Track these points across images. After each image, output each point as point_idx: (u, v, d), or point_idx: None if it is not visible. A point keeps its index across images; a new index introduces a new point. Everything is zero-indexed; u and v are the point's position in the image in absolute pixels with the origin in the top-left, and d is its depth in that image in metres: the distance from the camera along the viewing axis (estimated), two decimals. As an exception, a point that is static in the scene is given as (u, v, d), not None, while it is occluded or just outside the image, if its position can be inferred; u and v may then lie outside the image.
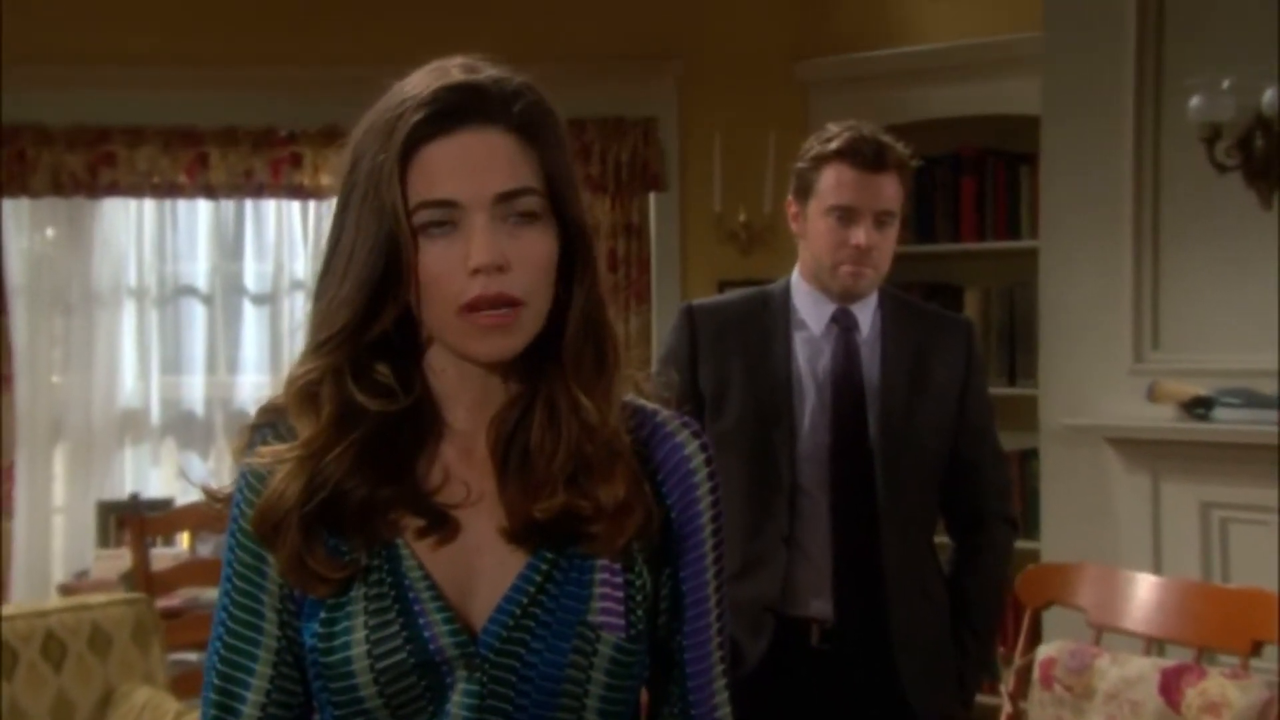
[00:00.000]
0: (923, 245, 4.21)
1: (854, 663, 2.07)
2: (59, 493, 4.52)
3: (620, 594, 1.06)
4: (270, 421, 1.08)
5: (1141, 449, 3.46)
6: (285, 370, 1.09)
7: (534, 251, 1.02)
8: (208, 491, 1.12)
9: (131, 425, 4.60)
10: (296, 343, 1.09)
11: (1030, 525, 3.74)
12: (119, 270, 4.56)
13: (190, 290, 4.65)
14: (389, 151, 1.01)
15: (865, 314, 2.10)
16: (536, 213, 1.02)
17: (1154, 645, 2.37)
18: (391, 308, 1.03)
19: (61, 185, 4.35)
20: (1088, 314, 3.61)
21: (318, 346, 1.05)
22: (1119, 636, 2.37)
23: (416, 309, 1.04)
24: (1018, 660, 2.42)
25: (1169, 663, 2.24)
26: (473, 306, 1.00)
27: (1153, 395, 3.42)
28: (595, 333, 1.06)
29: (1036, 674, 2.33)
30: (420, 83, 1.04)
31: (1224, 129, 3.30)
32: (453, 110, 1.01)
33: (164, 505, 4.18)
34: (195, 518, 3.59)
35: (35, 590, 4.28)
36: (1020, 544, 2.36)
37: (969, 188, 4.24)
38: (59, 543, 4.50)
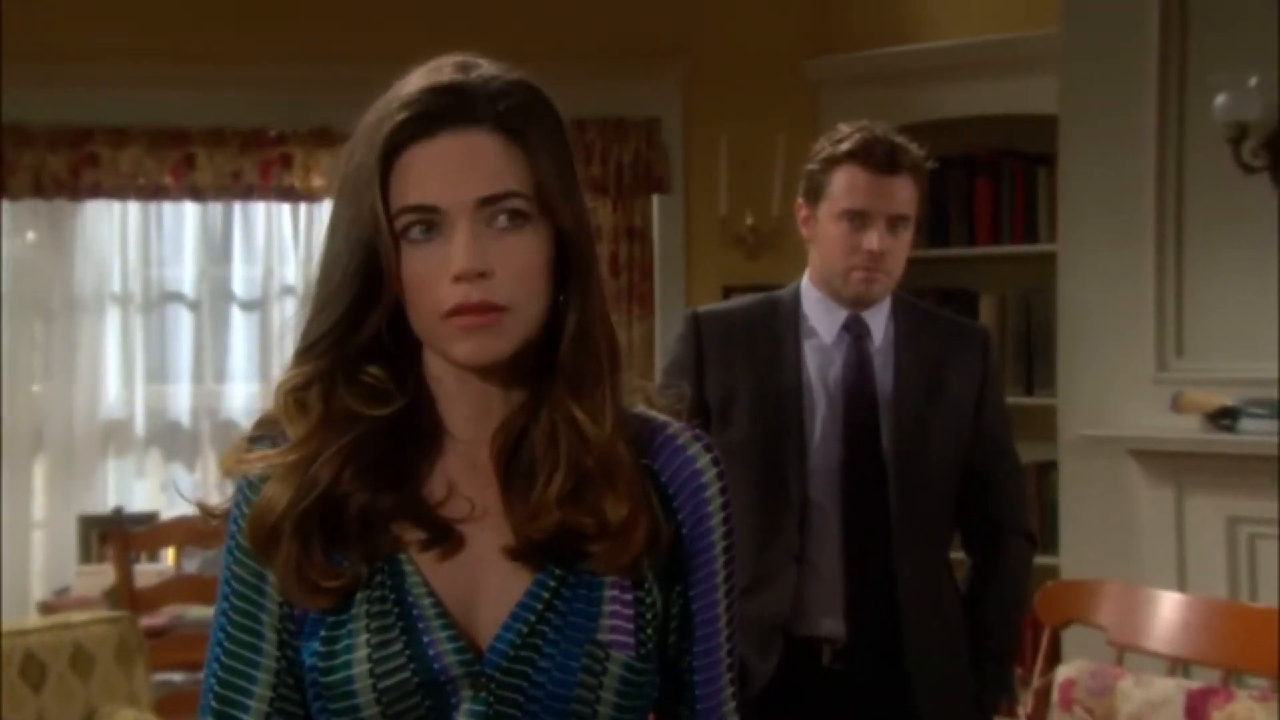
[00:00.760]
0: (936, 250, 4.21)
1: (866, 684, 2.06)
2: (39, 506, 4.52)
3: (630, 611, 1.06)
4: (268, 434, 1.09)
5: (1164, 461, 3.46)
6: (275, 379, 1.09)
7: (519, 257, 1.01)
8: (203, 508, 1.11)
9: (115, 436, 4.60)
10: (287, 350, 1.10)
11: (1049, 540, 3.73)
12: (102, 275, 4.56)
13: (176, 296, 4.65)
14: (370, 155, 1.02)
15: (877, 321, 2.10)
16: (524, 214, 1.02)
17: (1179, 666, 2.36)
18: (377, 313, 1.03)
19: (42, 187, 4.36)
20: (1108, 321, 3.61)
21: (305, 350, 1.06)
22: (1142, 657, 2.37)
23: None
24: (1036, 681, 2.41)
25: (1195, 685, 2.23)
26: (455, 313, 1.01)
27: (1176, 405, 3.41)
28: (592, 342, 1.06)
29: (1056, 696, 2.32)
30: (412, 82, 1.04)
31: (1250, 128, 3.29)
32: (435, 112, 1.01)
33: (148, 519, 4.18)
34: (181, 532, 3.58)
35: (14, 608, 4.27)
36: (1038, 560, 2.35)
37: (984, 190, 4.24)
38: (39, 559, 4.50)
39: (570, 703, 1.04)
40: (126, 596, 3.33)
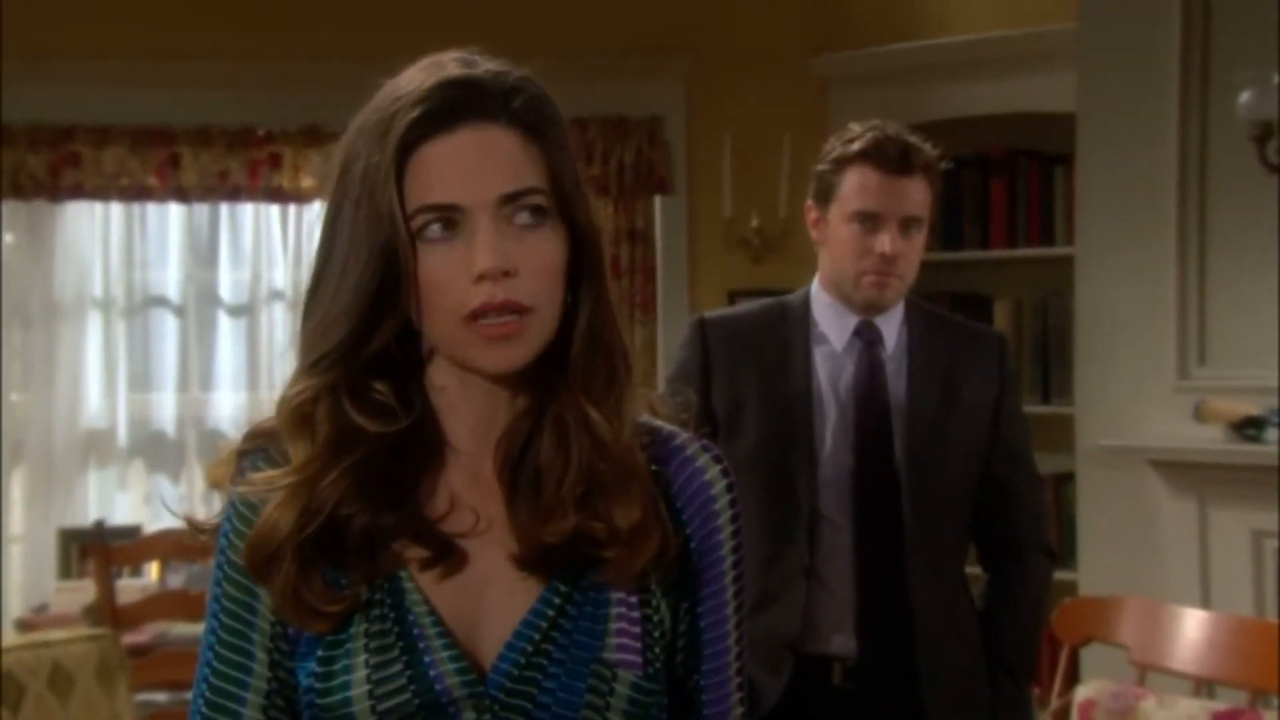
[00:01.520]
0: (949, 253, 4.21)
1: (879, 703, 2.06)
2: (16, 520, 4.51)
3: (637, 629, 1.06)
4: (260, 447, 1.08)
5: (1187, 472, 3.45)
6: (263, 387, 1.09)
7: (542, 255, 1.02)
8: (192, 523, 1.11)
9: (96, 446, 4.59)
10: (276, 357, 1.10)
11: (1066, 555, 3.73)
12: (83, 279, 4.56)
13: (160, 301, 4.65)
14: (384, 153, 1.01)
15: (890, 327, 2.10)
16: (544, 212, 1.02)
17: (1204, 687, 2.36)
18: (391, 321, 1.03)
19: (21, 187, 4.36)
20: (1128, 326, 3.61)
21: (313, 365, 1.05)
22: (1165, 677, 2.36)
23: (417, 321, 1.04)
24: (1054, 702, 2.40)
25: (1220, 706, 2.23)
26: (478, 314, 1.00)
27: (1199, 414, 3.41)
28: (604, 343, 1.06)
29: (1075, 717, 2.31)
30: (414, 79, 1.03)
31: (1275, 127, 3.29)
32: (450, 107, 1.01)
33: (131, 533, 4.17)
34: (165, 546, 3.58)
35: (-9, 625, 4.27)
36: (1056, 575, 2.34)
37: (999, 191, 4.24)
38: (16, 574, 4.49)
39: None
40: (108, 613, 3.32)
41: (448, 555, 1.05)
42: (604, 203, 4.35)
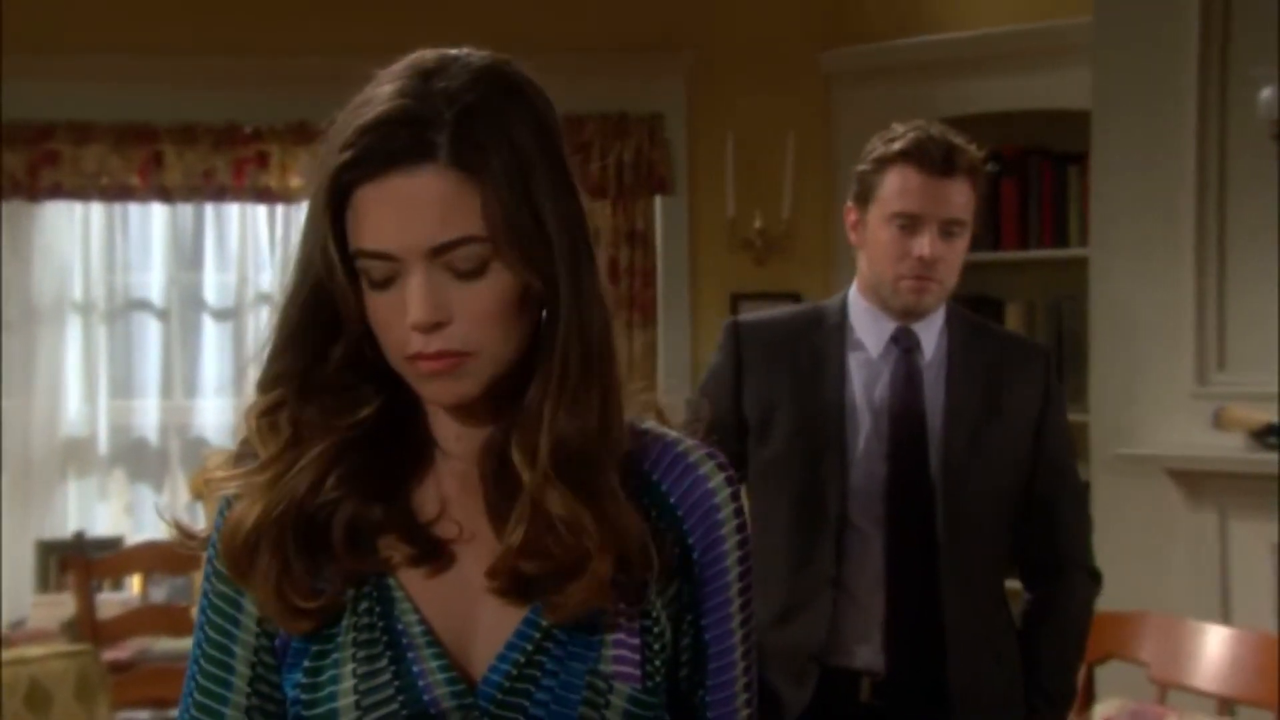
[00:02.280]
0: (960, 254, 4.20)
1: None
2: (-6, 531, 4.50)
3: (636, 641, 1.06)
4: (252, 453, 1.08)
5: (1206, 482, 3.44)
6: (249, 394, 1.10)
7: (480, 302, 1.01)
8: (181, 529, 1.11)
9: (76, 455, 4.58)
10: (263, 363, 1.10)
11: (1082, 568, 3.72)
12: (63, 282, 4.55)
13: (143, 304, 4.64)
14: (320, 194, 1.03)
15: (929, 334, 2.10)
16: (483, 259, 1.01)
17: (1227, 705, 2.35)
18: (340, 348, 1.05)
19: (-1, 188, 4.35)
20: (1144, 331, 3.60)
21: (270, 381, 1.07)
22: (1186, 695, 2.35)
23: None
24: (1071, 720, 2.39)
25: (1243, 725, 2.21)
26: (415, 359, 1.02)
27: (1218, 422, 3.40)
28: (571, 366, 1.04)
29: (1093, 736, 2.30)
30: (368, 103, 1.02)
31: (1297, 125, 3.29)
32: (378, 154, 1.00)
33: (112, 545, 4.16)
34: (147, 558, 3.57)
35: (-33, 640, 4.26)
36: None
37: (1011, 191, 4.24)
38: (-7, 587, 4.48)
39: None
40: (88, 628, 3.31)
41: (436, 556, 1.06)
42: (603, 203, 4.35)
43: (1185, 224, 3.54)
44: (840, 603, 2.04)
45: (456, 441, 1.08)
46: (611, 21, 4.42)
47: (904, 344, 2.08)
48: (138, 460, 4.65)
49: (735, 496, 1.11)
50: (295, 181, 4.35)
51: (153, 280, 4.63)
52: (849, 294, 2.14)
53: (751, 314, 2.27)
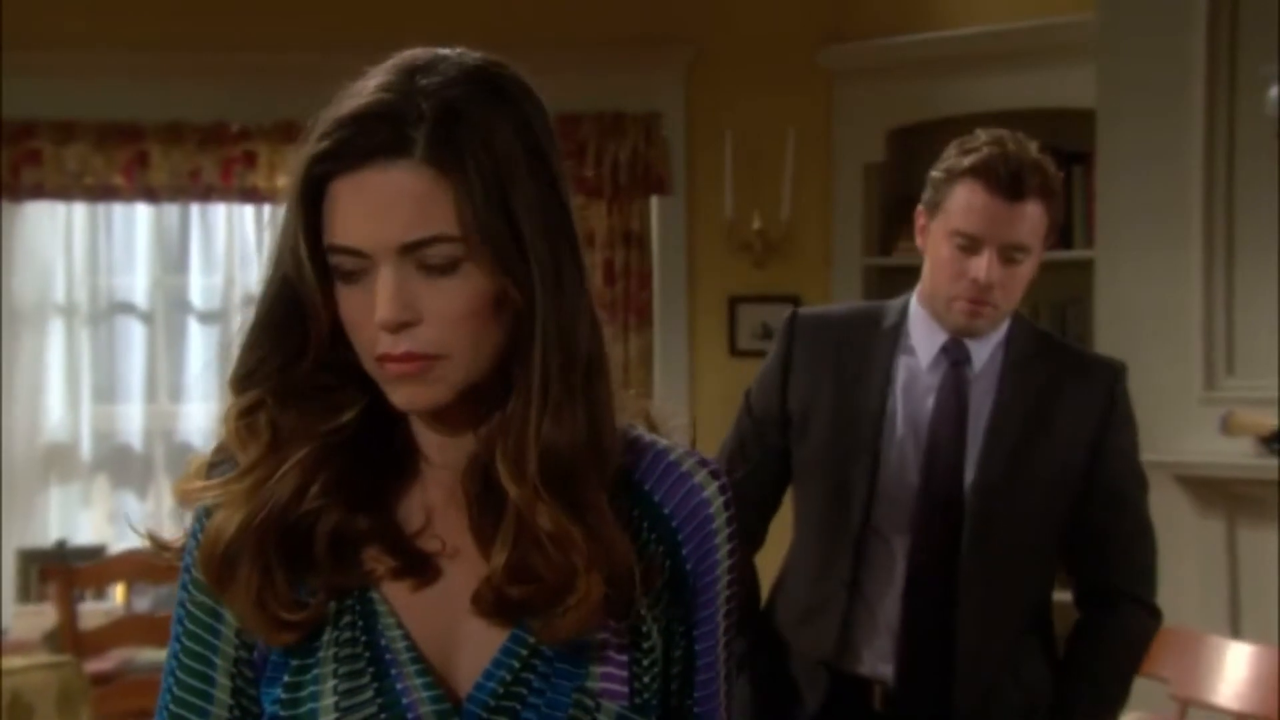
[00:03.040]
0: (963, 256, 4.20)
1: None
2: (-27, 539, 4.50)
3: (624, 658, 1.06)
4: (230, 459, 1.08)
5: (1215, 489, 3.45)
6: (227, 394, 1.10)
7: (451, 303, 1.01)
8: (155, 540, 1.10)
9: (58, 462, 4.58)
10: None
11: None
12: (45, 285, 4.55)
13: (127, 307, 4.64)
14: (294, 186, 1.03)
15: (984, 347, 2.06)
16: (455, 259, 1.00)
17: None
18: (312, 346, 1.05)
19: (-20, 187, 4.35)
20: (1151, 334, 3.60)
21: (243, 379, 1.07)
22: (1207, 712, 2.34)
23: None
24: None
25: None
26: (381, 360, 1.02)
27: (1227, 427, 3.40)
28: (566, 365, 1.03)
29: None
30: (351, 95, 1.02)
31: (1307, 124, 3.30)
32: (354, 147, 1.00)
33: (94, 553, 4.15)
34: (131, 567, 3.56)
35: (-54, 651, 4.25)
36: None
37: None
38: (-27, 597, 4.48)
39: None
40: (70, 639, 3.30)
41: (421, 568, 1.05)
42: (598, 204, 4.35)
43: (1192, 224, 3.54)
44: (855, 608, 2.04)
45: (439, 451, 1.08)
46: (607, 16, 4.41)
47: (953, 356, 2.06)
48: (121, 467, 4.64)
49: (728, 505, 1.11)
50: (282, 181, 4.34)
51: (137, 282, 4.63)
52: (911, 298, 2.12)
53: (812, 308, 2.30)
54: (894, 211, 4.27)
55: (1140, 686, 2.46)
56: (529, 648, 1.04)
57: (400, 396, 1.02)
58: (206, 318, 4.66)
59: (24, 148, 4.36)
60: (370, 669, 1.03)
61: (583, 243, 1.07)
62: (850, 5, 4.41)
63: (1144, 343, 3.62)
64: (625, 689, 1.05)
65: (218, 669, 1.07)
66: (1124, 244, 3.68)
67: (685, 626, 1.10)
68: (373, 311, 1.00)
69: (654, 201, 4.47)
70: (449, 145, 1.00)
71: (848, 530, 2.04)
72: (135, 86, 4.36)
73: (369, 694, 1.03)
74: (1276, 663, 2.26)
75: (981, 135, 2.03)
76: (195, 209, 4.58)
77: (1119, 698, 2.10)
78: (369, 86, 1.02)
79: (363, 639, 1.04)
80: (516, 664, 1.04)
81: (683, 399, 4.32)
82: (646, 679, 1.07)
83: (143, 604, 4.05)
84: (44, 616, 3.89)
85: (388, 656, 1.04)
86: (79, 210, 4.55)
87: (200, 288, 4.65)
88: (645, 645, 1.07)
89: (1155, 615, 2.11)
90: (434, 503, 1.07)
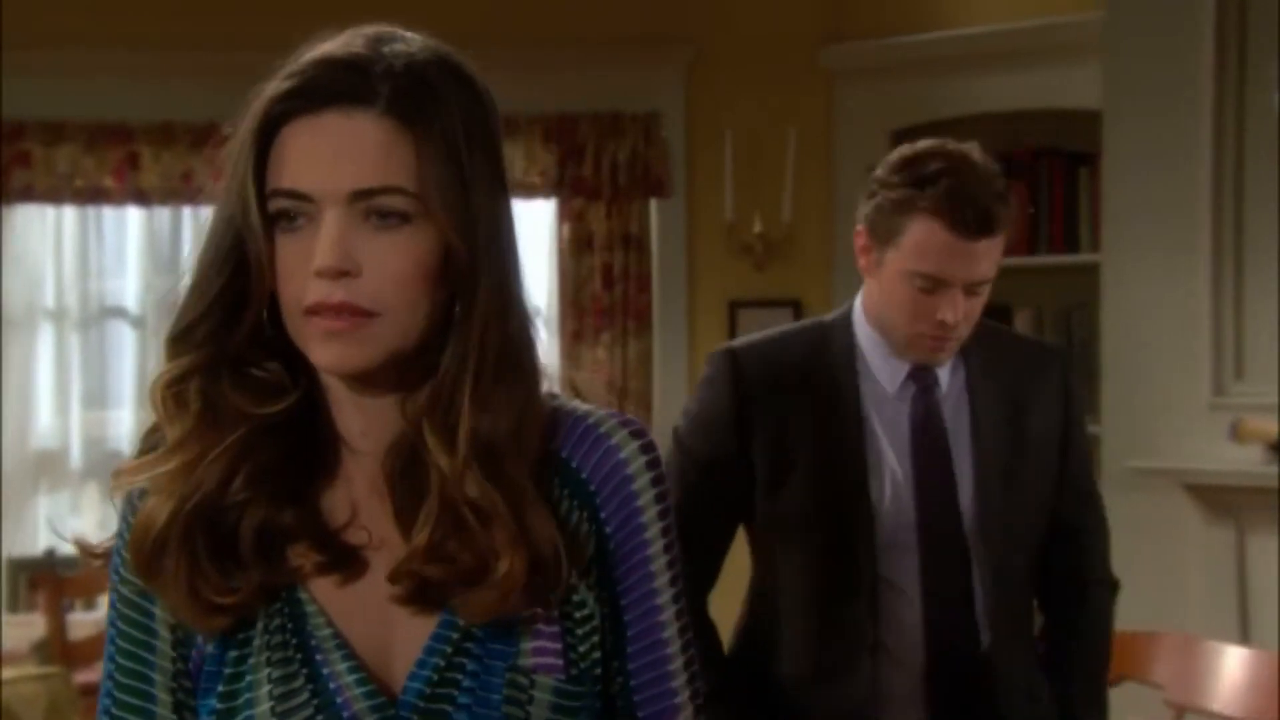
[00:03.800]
0: (967, 259, 4.20)
1: None
2: (-39, 548, 4.49)
3: (555, 629, 1.05)
4: (158, 442, 1.07)
5: (1224, 496, 3.44)
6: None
7: (394, 259, 1.00)
8: (82, 547, 1.10)
9: (47, 468, 4.57)
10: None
11: (1094, 585, 3.72)
12: (34, 289, 4.54)
13: (118, 311, 4.64)
14: (249, 125, 1.03)
15: (945, 367, 1.99)
16: (405, 214, 1.00)
17: (1244, 729, 2.34)
18: (253, 304, 1.02)
19: (-32, 190, 4.35)
20: (1159, 339, 3.60)
21: (179, 338, 1.05)
22: (1204, 717, 2.34)
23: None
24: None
25: (1263, 750, 2.21)
26: (312, 311, 1.00)
27: (1236, 434, 3.40)
28: (474, 362, 1.03)
29: (1106, 762, 2.29)
30: (316, 49, 1.04)
31: (1316, 125, 3.30)
32: (321, 87, 1.01)
33: (84, 563, 4.14)
34: (121, 577, 3.54)
35: (-66, 661, 4.24)
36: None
37: (1019, 193, 4.23)
38: (-39, 606, 4.47)
39: None
40: (59, 650, 3.30)
41: (346, 563, 1.05)
42: (596, 206, 4.35)
43: (1201, 227, 3.54)
44: (881, 664, 1.95)
45: (363, 437, 1.07)
46: (606, 16, 4.41)
47: (922, 382, 1.97)
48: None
49: (653, 465, 1.09)
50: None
51: (128, 286, 4.63)
52: (854, 314, 1.99)
53: (744, 340, 2.06)
54: (897, 214, 4.26)
55: (1134, 692, 2.46)
56: (460, 631, 1.04)
57: (328, 354, 1.01)
58: (198, 322, 4.64)
59: (13, 149, 4.35)
60: (303, 670, 1.04)
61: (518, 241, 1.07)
62: (851, 5, 4.41)
63: (1152, 348, 3.62)
64: (560, 661, 1.05)
65: (156, 684, 1.07)
66: (1130, 247, 3.68)
67: (609, 594, 1.08)
68: (309, 261, 0.99)
69: (653, 203, 4.47)
70: (413, 101, 1.01)
71: (859, 588, 1.94)
72: (126, 87, 4.36)
73: (304, 696, 1.03)
74: (1274, 667, 2.26)
75: (926, 153, 1.88)
76: (187, 211, 4.57)
77: (1107, 670, 2.15)
78: (336, 42, 1.04)
79: (293, 640, 1.04)
80: (449, 649, 1.04)
81: (682, 404, 4.32)
82: (583, 648, 1.06)
83: (133, 613, 4.03)
84: (33, 626, 3.88)
85: (318, 656, 1.04)
86: (69, 213, 4.55)
87: (192, 291, 4.63)
88: (578, 615, 1.06)
89: (1116, 588, 2.16)
90: (358, 494, 1.07)
